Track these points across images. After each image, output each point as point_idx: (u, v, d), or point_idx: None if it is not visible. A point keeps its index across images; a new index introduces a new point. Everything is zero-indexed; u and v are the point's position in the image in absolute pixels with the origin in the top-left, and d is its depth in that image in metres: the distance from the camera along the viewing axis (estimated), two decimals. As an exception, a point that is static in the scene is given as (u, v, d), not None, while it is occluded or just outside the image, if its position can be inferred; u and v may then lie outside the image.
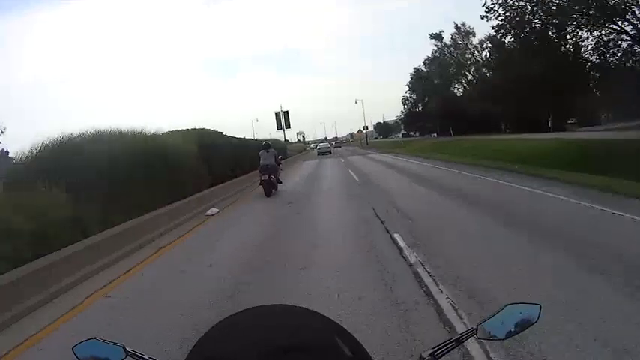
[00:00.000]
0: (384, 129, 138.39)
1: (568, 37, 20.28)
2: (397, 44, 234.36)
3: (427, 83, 57.61)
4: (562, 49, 22.32)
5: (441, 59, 52.90)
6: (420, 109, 63.68)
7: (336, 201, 10.22)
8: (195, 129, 14.16)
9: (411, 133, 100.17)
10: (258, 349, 0.51)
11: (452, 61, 51.40)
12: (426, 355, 0.75)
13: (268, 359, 0.49)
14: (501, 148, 20.36)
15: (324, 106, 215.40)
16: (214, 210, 10.43)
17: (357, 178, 15.11)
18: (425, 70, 58.86)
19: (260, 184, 12.41)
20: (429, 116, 59.18)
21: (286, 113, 42.64)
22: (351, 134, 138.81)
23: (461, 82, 54.05)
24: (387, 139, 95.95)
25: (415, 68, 60.18)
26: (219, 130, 16.45)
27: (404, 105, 64.32)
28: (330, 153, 43.59)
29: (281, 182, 13.51)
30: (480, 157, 17.88)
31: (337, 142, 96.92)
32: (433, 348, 0.77)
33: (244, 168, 16.99)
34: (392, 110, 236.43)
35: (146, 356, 0.79)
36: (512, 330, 0.78)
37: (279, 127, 43.28)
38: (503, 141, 25.52)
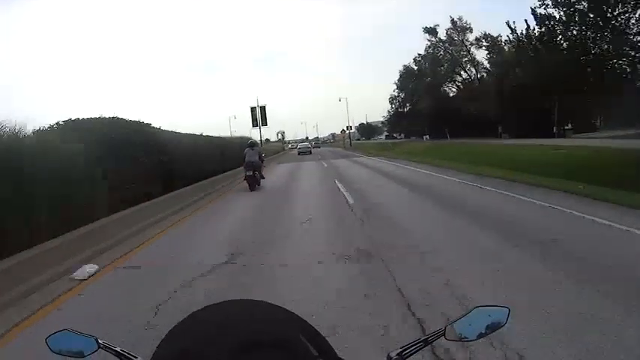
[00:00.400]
0: (367, 130, 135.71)
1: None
2: (383, 45, 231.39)
3: (417, 82, 53.63)
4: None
5: (434, 56, 48.90)
6: (407, 109, 59.63)
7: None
8: (97, 118, 8.99)
9: (395, 135, 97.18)
10: (225, 345, 0.52)
11: (446, 57, 47.47)
12: (393, 355, 0.75)
13: (235, 354, 0.51)
14: (523, 155, 16.23)
15: (306, 107, 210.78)
16: (90, 269, 5.53)
17: (349, 198, 9.81)
18: (415, 67, 54.87)
19: (245, 179, 13.30)
20: (417, 117, 55.24)
21: (263, 108, 37.62)
22: (333, 134, 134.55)
23: (455, 80, 50.19)
24: (370, 141, 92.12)
25: (405, 66, 56.27)
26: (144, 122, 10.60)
27: (391, 104, 60.24)
28: (310, 153, 43.65)
29: (264, 177, 14.46)
30: (499, 165, 13.59)
31: (317, 143, 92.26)
32: (401, 348, 0.77)
33: (187, 177, 11.65)
34: (376, 112, 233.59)
35: (118, 348, 0.78)
36: (481, 332, 0.77)
37: (254, 124, 38.25)
38: (519, 147, 21.53)
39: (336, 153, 39.78)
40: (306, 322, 0.62)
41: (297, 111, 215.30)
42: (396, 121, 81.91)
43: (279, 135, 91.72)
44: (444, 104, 47.13)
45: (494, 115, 38.75)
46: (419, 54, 54.02)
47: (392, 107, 61.52)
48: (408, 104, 58.90)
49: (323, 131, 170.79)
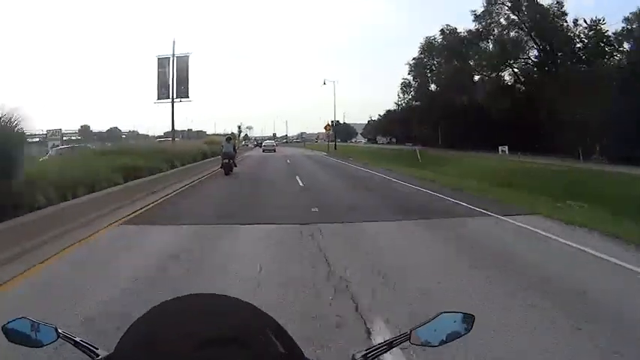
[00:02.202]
0: (344, 131, 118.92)
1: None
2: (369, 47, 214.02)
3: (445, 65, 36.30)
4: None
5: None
6: (415, 103, 41.80)
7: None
8: None
9: (379, 140, 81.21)
10: (190, 338, 0.53)
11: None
12: (358, 356, 0.75)
13: (201, 348, 0.52)
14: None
15: (280, 105, 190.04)
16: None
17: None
18: (442, 40, 37.16)
19: (221, 167, 15.88)
20: (426, 117, 37.97)
21: (181, 60, 18.56)
22: (301, 134, 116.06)
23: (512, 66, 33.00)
24: (357, 145, 74.73)
25: (427, 39, 38.38)
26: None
27: (405, 93, 41.92)
28: (275, 151, 42.51)
29: (236, 165, 17.02)
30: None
31: (278, 141, 75.55)
32: (366, 350, 0.77)
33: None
34: (355, 112, 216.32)
35: (77, 339, 0.76)
36: (445, 338, 0.77)
37: (161, 95, 19.30)
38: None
39: (316, 160, 23.89)
40: (272, 319, 0.62)
41: (270, 108, 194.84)
42: (387, 123, 65.20)
43: (240, 129, 71.03)
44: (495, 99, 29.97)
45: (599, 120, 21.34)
46: (445, 25, 36.45)
47: (402, 99, 42.97)
48: (417, 98, 41.12)
49: (293, 130, 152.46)
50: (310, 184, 12.42)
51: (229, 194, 10.88)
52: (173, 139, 20.61)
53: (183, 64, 19.18)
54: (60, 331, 0.76)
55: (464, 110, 34.38)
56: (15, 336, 0.75)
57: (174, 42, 19.25)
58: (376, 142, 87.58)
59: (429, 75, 40.21)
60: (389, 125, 68.50)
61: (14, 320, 0.76)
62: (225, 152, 15.87)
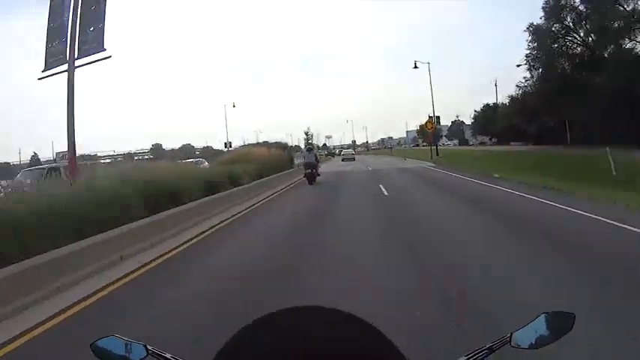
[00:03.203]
0: (428, 134, 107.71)
1: None
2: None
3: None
4: None
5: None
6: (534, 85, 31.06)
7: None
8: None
9: (473, 140, 70.55)
10: (307, 353, 0.53)
11: None
12: None
13: None
14: None
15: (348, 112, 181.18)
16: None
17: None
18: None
19: (304, 176, 16.65)
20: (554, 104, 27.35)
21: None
22: (384, 140, 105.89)
23: None
24: (443, 147, 64.97)
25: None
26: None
27: (531, 67, 31.12)
28: (354, 159, 42.23)
29: (319, 175, 17.46)
30: None
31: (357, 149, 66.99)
32: (466, 356, 0.76)
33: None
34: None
35: (168, 355, 0.76)
36: (546, 339, 0.76)
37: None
38: None
39: (455, 194, 14.13)
40: (390, 341, 0.60)
41: (341, 115, 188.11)
42: (488, 119, 54.58)
43: (307, 136, 55.34)
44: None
45: None
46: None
47: (527, 80, 32.10)
48: (540, 77, 30.45)
49: (375, 136, 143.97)
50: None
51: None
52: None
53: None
54: (149, 348, 0.76)
55: (602, 94, 23.78)
56: (104, 354, 0.76)
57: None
58: (467, 144, 76.13)
59: (555, 47, 29.56)
60: (487, 123, 57.10)
61: (103, 338, 0.78)
62: (308, 162, 16.56)
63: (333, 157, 48.55)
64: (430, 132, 34.10)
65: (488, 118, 56.68)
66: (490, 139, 61.67)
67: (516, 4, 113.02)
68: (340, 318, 0.59)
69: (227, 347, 0.57)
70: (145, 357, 0.75)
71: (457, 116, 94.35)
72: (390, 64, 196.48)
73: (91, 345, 0.77)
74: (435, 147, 33.14)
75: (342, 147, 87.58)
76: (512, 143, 52.82)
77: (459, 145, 78.09)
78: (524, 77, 32.04)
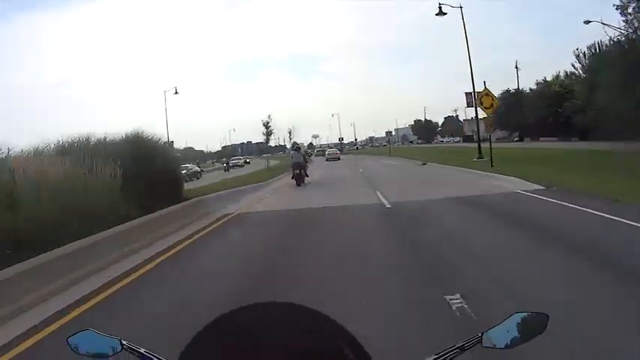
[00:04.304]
0: (424, 129, 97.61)
1: None
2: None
3: None
4: None
5: None
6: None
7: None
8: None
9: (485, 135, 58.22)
10: (272, 350, 0.51)
11: None
12: None
13: None
14: None
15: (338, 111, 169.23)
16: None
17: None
18: None
19: (292, 177, 16.04)
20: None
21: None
22: (341, 139, 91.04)
23: None
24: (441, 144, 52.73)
25: None
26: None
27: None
28: (339, 159, 41.03)
29: (308, 176, 16.86)
30: None
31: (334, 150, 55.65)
32: (436, 355, 0.73)
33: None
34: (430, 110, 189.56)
35: (142, 350, 0.75)
36: (518, 339, 0.74)
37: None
38: None
39: None
40: (354, 337, 0.59)
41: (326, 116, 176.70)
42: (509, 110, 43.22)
43: (290, 135, 55.13)
44: None
45: None
46: None
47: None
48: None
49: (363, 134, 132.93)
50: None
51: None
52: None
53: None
54: (124, 342, 0.75)
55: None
56: (79, 349, 0.76)
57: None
58: (472, 140, 64.30)
59: None
60: (511, 114, 44.95)
61: (78, 332, 0.77)
62: (296, 162, 16.13)
63: (310, 157, 34.51)
64: (489, 111, 18.40)
65: (511, 108, 44.09)
66: (510, 135, 50.08)
67: None
68: (301, 312, 0.59)
69: (190, 346, 0.56)
70: (120, 351, 0.75)
71: (454, 109, 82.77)
72: (373, 63, 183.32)
73: (67, 339, 0.77)
74: (480, 145, 20.44)
75: (328, 146, 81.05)
76: (541, 139, 42.13)
77: (459, 141, 65.63)
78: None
